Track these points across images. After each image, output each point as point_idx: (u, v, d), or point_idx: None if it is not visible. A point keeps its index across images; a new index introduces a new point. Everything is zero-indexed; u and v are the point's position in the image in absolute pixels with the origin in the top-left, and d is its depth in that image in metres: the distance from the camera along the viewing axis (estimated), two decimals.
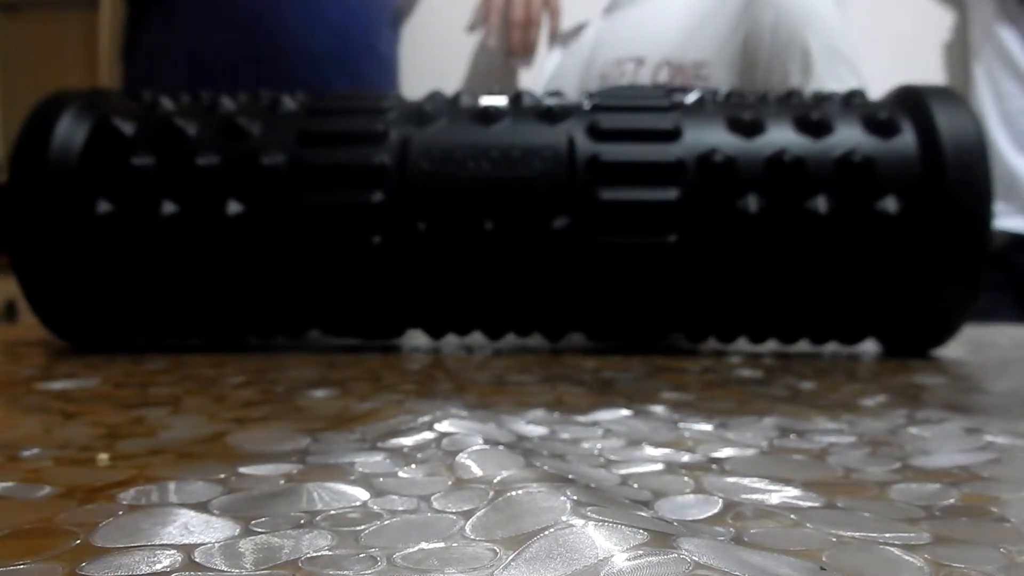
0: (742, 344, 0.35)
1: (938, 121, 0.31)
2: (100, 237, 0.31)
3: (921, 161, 0.31)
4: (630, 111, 0.33)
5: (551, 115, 0.32)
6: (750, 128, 0.31)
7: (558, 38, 0.86)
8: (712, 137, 0.31)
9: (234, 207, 0.31)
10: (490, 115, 0.32)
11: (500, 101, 0.33)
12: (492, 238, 0.31)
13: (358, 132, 0.32)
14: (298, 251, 0.31)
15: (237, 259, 0.31)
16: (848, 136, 0.31)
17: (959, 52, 1.08)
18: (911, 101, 0.33)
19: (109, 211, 0.31)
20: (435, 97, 0.35)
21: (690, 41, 0.73)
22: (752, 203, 0.30)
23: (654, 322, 0.33)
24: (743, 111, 0.32)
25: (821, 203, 0.30)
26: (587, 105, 0.33)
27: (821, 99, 0.34)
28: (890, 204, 0.30)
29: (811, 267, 0.31)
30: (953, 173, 0.30)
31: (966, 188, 0.30)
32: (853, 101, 0.33)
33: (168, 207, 0.31)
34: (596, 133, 0.32)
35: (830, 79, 0.67)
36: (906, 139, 0.31)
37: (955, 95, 0.33)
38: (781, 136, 0.31)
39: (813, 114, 0.31)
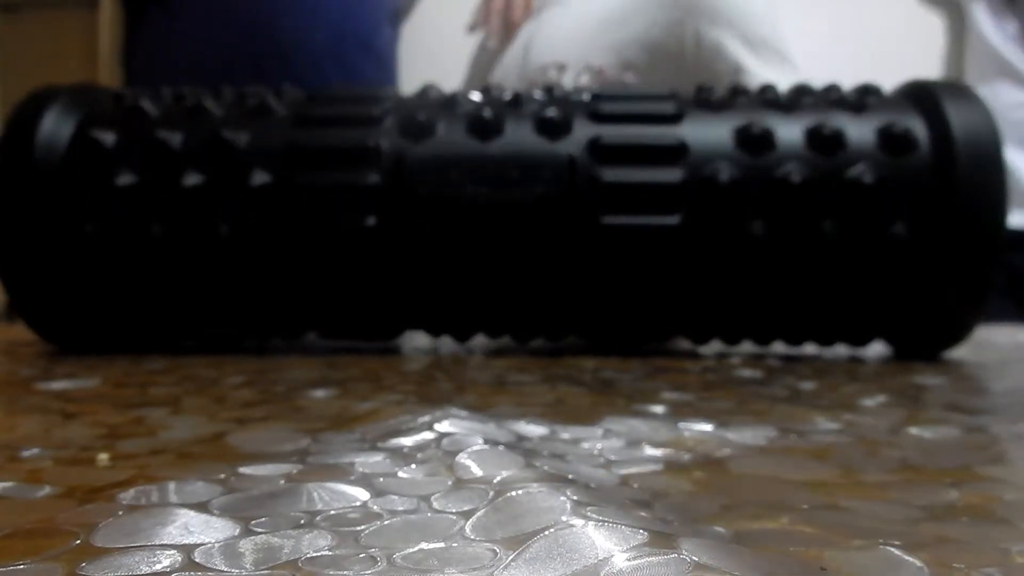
0: (743, 345, 0.35)
1: (950, 118, 0.30)
2: (85, 244, 0.31)
3: (932, 162, 0.30)
4: (633, 121, 0.32)
5: (552, 128, 0.31)
6: (759, 145, 0.30)
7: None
8: (718, 156, 0.30)
9: (223, 229, 0.30)
10: (488, 127, 0.31)
11: (498, 107, 0.33)
12: (489, 253, 0.30)
13: (349, 147, 0.31)
14: (289, 274, 0.31)
15: (227, 277, 0.31)
16: (860, 150, 0.30)
17: (954, 51, 1.08)
18: (922, 97, 0.32)
19: (94, 219, 0.30)
20: (429, 91, 0.34)
21: (612, 44, 0.72)
22: (758, 227, 0.30)
23: (657, 332, 0.33)
24: (751, 124, 0.31)
25: (828, 225, 0.30)
26: (588, 104, 0.33)
27: (832, 101, 0.33)
28: (902, 212, 0.30)
29: (821, 275, 0.30)
30: (965, 175, 0.29)
31: (978, 190, 0.30)
32: (867, 101, 0.32)
33: (156, 228, 0.30)
34: (598, 151, 0.31)
35: (764, 71, 0.67)
36: (919, 146, 0.30)
37: (969, 93, 0.32)
38: (791, 154, 0.30)
39: (824, 129, 0.30)
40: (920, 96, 0.32)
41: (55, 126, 0.32)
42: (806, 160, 0.30)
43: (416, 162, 0.31)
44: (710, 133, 0.31)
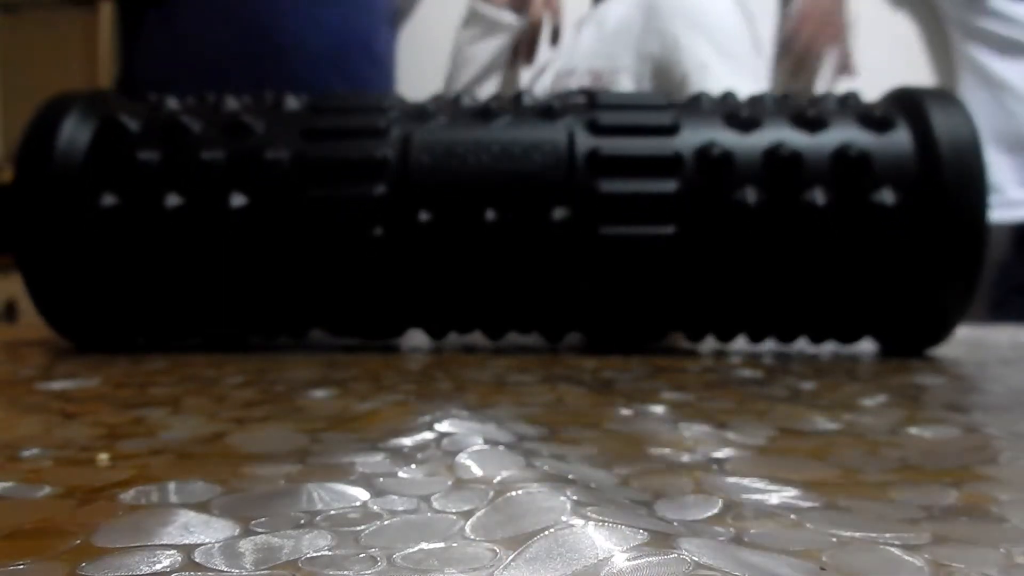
0: (742, 344, 0.35)
1: (933, 119, 0.31)
2: (104, 234, 0.31)
3: (917, 159, 0.31)
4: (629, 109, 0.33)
5: (551, 112, 0.32)
6: (747, 124, 0.32)
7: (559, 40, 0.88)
8: (709, 132, 0.32)
9: (238, 201, 0.31)
10: (491, 112, 0.32)
11: (501, 101, 0.34)
12: (492, 230, 0.31)
13: (361, 128, 0.32)
14: (301, 245, 0.31)
15: (241, 254, 0.31)
16: (844, 131, 0.31)
17: (939, 52, 1.08)
18: (906, 101, 0.33)
19: (113, 206, 0.31)
20: (436, 99, 0.35)
21: (611, 52, 0.82)
22: (750, 195, 0.30)
23: (653, 317, 0.33)
24: (740, 109, 0.32)
25: (818, 197, 0.30)
26: (586, 103, 0.33)
27: (817, 99, 0.34)
28: (886, 198, 0.30)
29: (808, 262, 0.31)
30: (948, 171, 0.30)
31: (962, 185, 0.30)
32: (848, 102, 0.33)
33: (172, 201, 0.31)
34: (596, 129, 0.32)
35: (726, 73, 0.73)
36: (901, 136, 0.31)
37: (950, 95, 0.33)
38: (777, 131, 0.31)
39: (809, 111, 0.32)
40: (905, 102, 0.33)
41: (76, 125, 0.32)
42: (791, 137, 0.31)
43: (422, 138, 0.32)
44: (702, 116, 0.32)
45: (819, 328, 0.33)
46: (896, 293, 0.32)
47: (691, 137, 0.31)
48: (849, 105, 0.33)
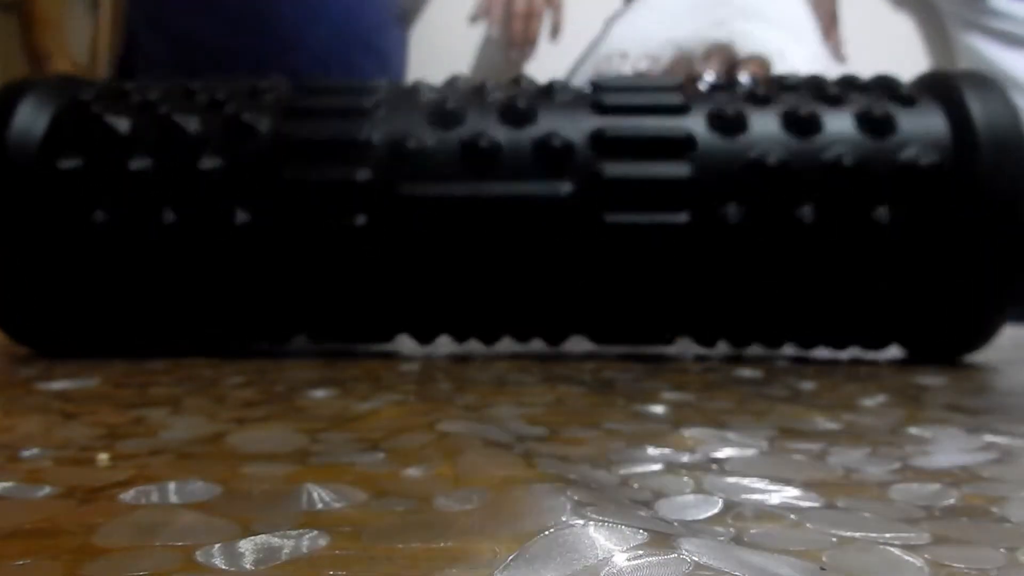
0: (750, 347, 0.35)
1: (972, 113, 0.29)
2: (59, 240, 0.29)
3: (953, 152, 0.29)
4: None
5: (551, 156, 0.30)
6: (805, 127, 0.29)
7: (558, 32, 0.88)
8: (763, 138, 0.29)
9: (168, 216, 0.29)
10: (488, 156, 0.30)
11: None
12: (484, 260, 0.30)
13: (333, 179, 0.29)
14: (277, 276, 0.30)
15: (215, 277, 0.30)
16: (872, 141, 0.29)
17: (939, 47, 1.07)
18: (942, 91, 0.30)
19: (70, 213, 0.29)
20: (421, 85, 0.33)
21: (672, 37, 0.79)
22: (768, 225, 0.29)
23: (662, 334, 0.32)
24: (795, 110, 0.30)
25: (841, 223, 0.29)
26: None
27: (848, 89, 0.31)
28: (919, 208, 0.29)
29: (834, 275, 0.29)
30: (987, 164, 0.28)
31: (1002, 180, 0.28)
32: (883, 84, 0.31)
33: (136, 225, 0.29)
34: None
35: (799, 56, 0.72)
36: (938, 128, 0.29)
37: (989, 81, 0.31)
38: (840, 134, 0.29)
39: (874, 111, 0.29)
40: (939, 87, 0.31)
41: (30, 118, 0.30)
42: (855, 140, 0.29)
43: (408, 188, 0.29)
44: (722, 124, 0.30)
45: (843, 335, 0.31)
46: (932, 298, 0.29)
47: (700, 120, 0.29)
48: (882, 88, 0.31)
